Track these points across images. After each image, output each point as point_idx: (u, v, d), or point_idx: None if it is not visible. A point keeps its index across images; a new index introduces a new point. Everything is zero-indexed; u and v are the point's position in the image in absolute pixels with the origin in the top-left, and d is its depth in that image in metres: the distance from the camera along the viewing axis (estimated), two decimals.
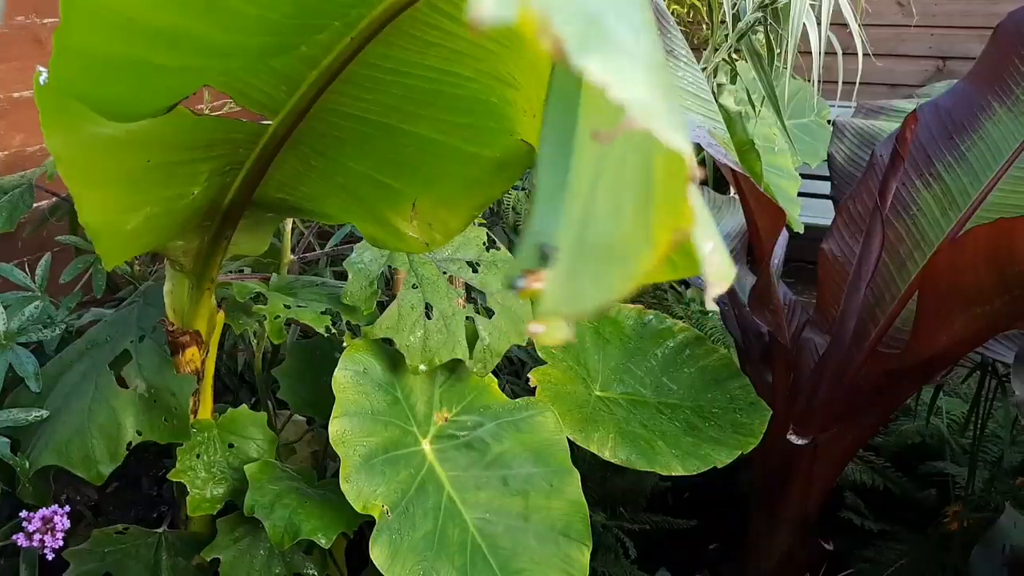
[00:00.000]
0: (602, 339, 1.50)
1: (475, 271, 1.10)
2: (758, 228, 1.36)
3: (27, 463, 1.01)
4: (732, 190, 2.09)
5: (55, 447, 1.01)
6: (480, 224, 2.09)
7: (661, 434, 1.34)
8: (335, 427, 0.99)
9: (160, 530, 1.09)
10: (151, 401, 1.01)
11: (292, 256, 1.09)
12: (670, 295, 2.47)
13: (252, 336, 1.15)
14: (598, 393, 1.43)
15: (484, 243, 1.13)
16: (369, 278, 1.01)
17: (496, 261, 1.12)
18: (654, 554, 1.81)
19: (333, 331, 0.99)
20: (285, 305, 0.99)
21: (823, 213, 2.69)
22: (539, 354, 1.39)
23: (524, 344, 1.11)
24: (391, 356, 1.05)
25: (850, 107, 2.85)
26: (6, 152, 1.73)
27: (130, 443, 0.99)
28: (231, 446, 1.02)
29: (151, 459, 1.41)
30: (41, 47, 1.79)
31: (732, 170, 1.28)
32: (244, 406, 1.06)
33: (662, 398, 1.44)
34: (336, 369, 0.99)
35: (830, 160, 1.71)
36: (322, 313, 0.99)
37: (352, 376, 1.01)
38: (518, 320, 1.10)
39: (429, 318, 1.02)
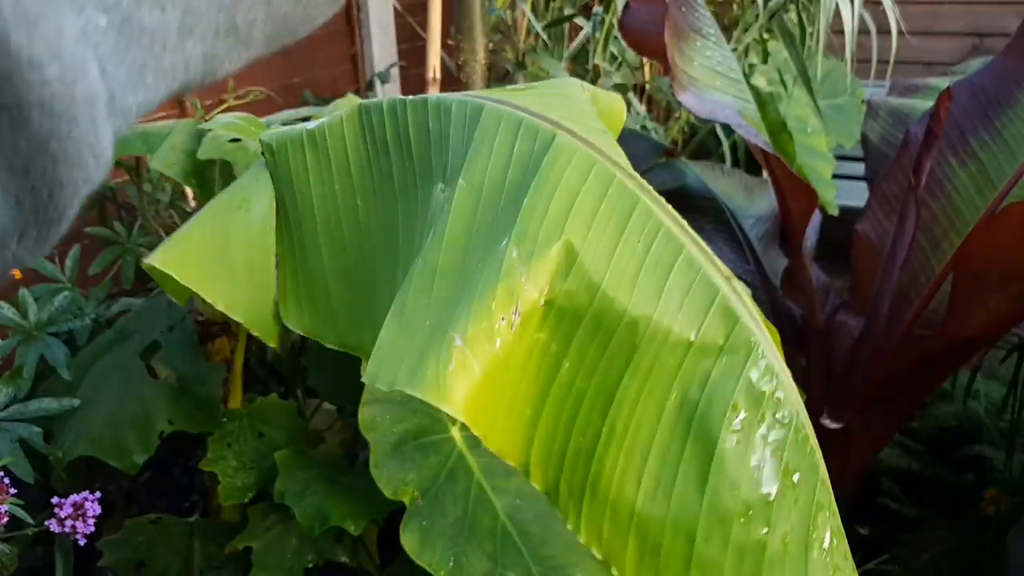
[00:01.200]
0: None
1: None
2: (790, 210, 1.33)
3: (60, 453, 1.02)
4: (764, 172, 2.06)
5: (89, 437, 1.02)
6: None
7: None
8: (365, 413, 0.99)
9: (192, 518, 1.10)
10: (181, 391, 1.02)
11: None
12: None
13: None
14: None
15: None
16: None
17: None
18: None
19: None
20: None
21: (858, 195, 2.65)
22: None
23: None
24: None
25: (884, 87, 2.79)
26: None
27: (162, 432, 1.00)
28: (261, 435, 1.03)
29: (182, 448, 1.43)
30: None
31: (763, 151, 1.26)
32: (274, 395, 1.07)
33: None
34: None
35: (864, 140, 1.67)
36: None
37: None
38: None
39: None
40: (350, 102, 1.16)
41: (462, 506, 0.99)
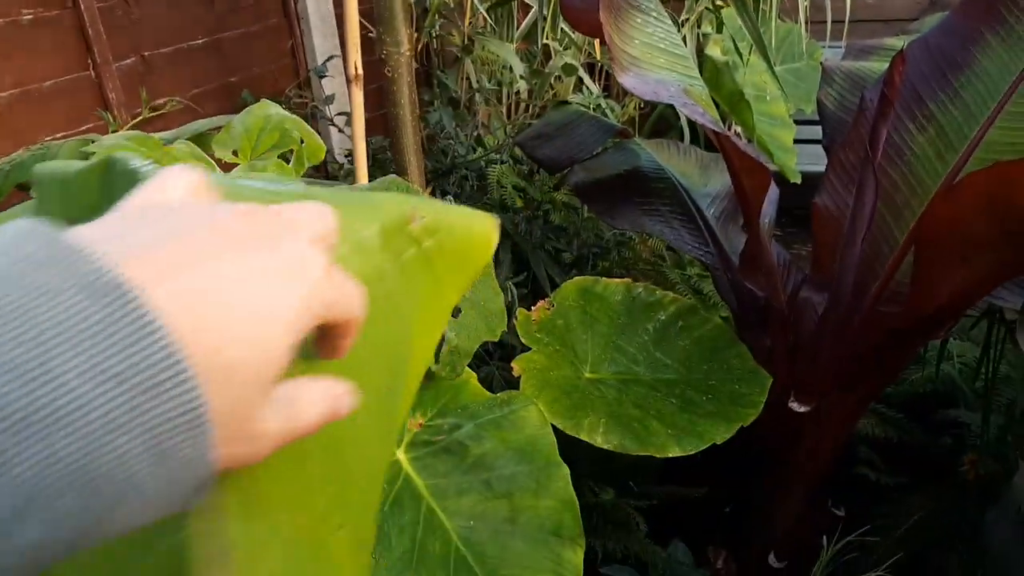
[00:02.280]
0: (589, 317, 1.43)
1: None
2: (744, 189, 1.28)
3: None
4: None
5: None
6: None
7: (656, 413, 1.27)
8: None
9: None
10: None
11: None
12: (668, 257, 2.39)
13: None
14: (588, 375, 1.36)
15: None
16: None
17: None
18: (667, 524, 1.76)
19: None
20: None
21: (821, 160, 2.61)
22: (523, 340, 1.32)
23: (498, 339, 1.04)
24: None
25: (841, 47, 2.73)
26: None
27: None
28: None
29: None
30: None
31: (713, 131, 1.20)
32: None
33: (656, 374, 1.37)
34: None
35: (820, 107, 1.61)
36: None
37: None
38: (489, 315, 1.03)
39: None
40: (263, 108, 1.09)
41: (410, 536, 0.94)
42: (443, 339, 1.00)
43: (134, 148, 0.86)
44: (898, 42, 1.73)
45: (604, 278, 1.50)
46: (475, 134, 2.46)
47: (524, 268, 2.04)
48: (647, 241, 2.37)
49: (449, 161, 2.25)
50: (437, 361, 0.99)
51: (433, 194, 2.30)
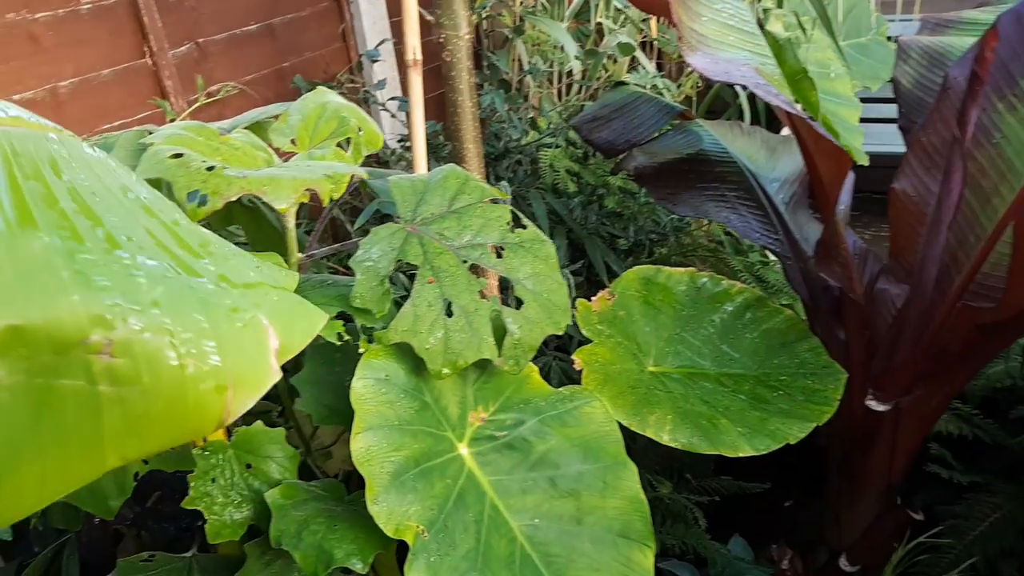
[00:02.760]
0: (652, 308, 1.38)
1: (500, 255, 0.98)
2: (820, 174, 1.21)
3: None
4: (786, 128, 1.92)
5: None
6: (512, 191, 1.96)
7: (724, 410, 1.22)
8: (358, 445, 0.89)
9: (189, 554, 1.03)
10: None
11: (300, 254, 0.99)
12: (727, 242, 2.31)
13: None
14: (652, 368, 1.31)
15: (508, 222, 1.01)
16: (379, 276, 0.90)
17: (523, 242, 1.00)
18: (726, 519, 1.71)
19: (347, 337, 0.89)
20: None
21: (889, 140, 2.49)
22: (583, 333, 1.28)
23: (562, 332, 1.00)
24: (415, 357, 0.94)
25: (912, 20, 2.60)
26: None
27: (137, 474, 0.91)
28: (249, 467, 0.94)
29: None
30: (36, 44, 1.71)
31: (788, 113, 1.13)
32: (259, 422, 0.98)
33: (723, 369, 1.32)
34: (353, 379, 0.89)
35: (896, 85, 1.53)
36: (333, 319, 0.89)
37: (372, 385, 0.91)
38: (552, 308, 0.99)
39: (449, 315, 0.91)
40: (319, 96, 1.06)
41: (474, 534, 0.90)
42: (505, 331, 0.96)
43: (191, 139, 0.84)
44: (981, 15, 1.63)
45: (666, 267, 1.45)
46: (528, 117, 2.41)
47: (580, 255, 1.99)
48: (704, 225, 2.30)
49: (502, 146, 2.20)
50: (500, 353, 0.95)
51: (488, 180, 2.26)
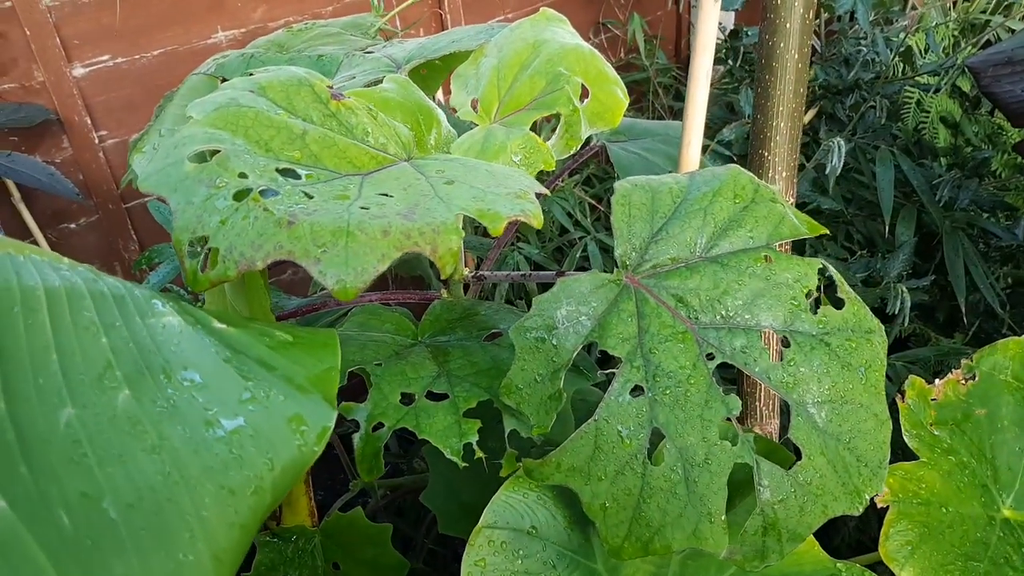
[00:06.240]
0: None
1: (782, 352, 0.55)
2: None
3: None
4: None
5: None
6: (852, 142, 1.44)
7: None
8: (471, 558, 0.56)
9: None
10: None
11: (466, 270, 0.64)
12: None
13: None
14: (1007, 514, 0.81)
15: (811, 290, 0.57)
16: (553, 363, 0.53)
17: (828, 333, 0.56)
18: None
19: (480, 454, 0.55)
20: (401, 400, 0.55)
21: None
22: (907, 441, 0.81)
23: (862, 511, 0.56)
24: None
25: None
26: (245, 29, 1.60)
27: None
28: (336, 567, 0.65)
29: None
30: None
31: None
32: (359, 509, 0.68)
33: None
34: (474, 531, 0.55)
35: None
36: (464, 415, 0.54)
37: (507, 542, 0.56)
38: (854, 467, 0.55)
39: (651, 461, 0.52)
40: (536, 25, 0.66)
41: None
42: (751, 490, 0.54)
43: (264, 113, 0.50)
44: None
45: None
46: (901, 37, 1.77)
47: (928, 255, 1.42)
48: None
49: (852, 77, 1.62)
50: (731, 539, 0.54)
51: (817, 118, 1.71)
